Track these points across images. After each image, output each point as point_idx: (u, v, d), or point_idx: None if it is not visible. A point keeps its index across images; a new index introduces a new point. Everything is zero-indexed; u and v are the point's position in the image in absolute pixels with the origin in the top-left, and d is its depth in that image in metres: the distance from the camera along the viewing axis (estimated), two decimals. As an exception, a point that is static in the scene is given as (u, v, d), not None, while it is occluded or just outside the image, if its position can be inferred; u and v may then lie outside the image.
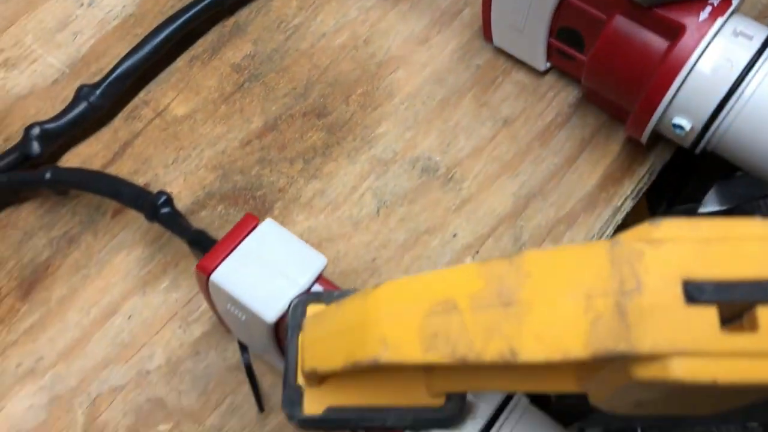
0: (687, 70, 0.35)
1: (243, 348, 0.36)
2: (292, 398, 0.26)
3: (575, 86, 0.43)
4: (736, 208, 0.58)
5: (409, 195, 0.40)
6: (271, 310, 0.30)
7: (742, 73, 0.34)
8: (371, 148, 0.42)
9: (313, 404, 0.26)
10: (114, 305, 0.38)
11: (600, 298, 0.20)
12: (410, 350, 0.22)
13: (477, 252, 0.39)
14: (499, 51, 0.43)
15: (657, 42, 0.36)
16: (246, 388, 0.36)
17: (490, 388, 0.25)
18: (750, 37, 0.35)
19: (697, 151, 0.37)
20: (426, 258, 0.39)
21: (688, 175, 0.59)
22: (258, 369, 0.36)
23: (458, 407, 0.26)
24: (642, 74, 0.37)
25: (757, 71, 0.34)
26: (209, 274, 0.31)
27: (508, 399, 0.29)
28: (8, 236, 0.40)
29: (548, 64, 0.42)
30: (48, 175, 0.38)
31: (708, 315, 0.19)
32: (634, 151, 0.41)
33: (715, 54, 0.35)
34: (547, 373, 0.24)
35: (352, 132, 0.42)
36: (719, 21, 0.35)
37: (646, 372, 0.20)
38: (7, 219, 0.40)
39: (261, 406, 0.36)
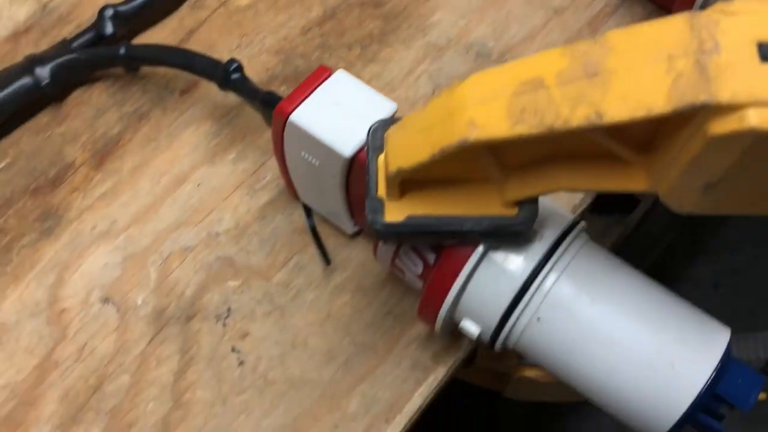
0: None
1: (308, 211, 0.38)
2: (375, 207, 0.28)
3: (622, -20, 0.44)
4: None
5: (463, 78, 0.42)
6: (347, 145, 0.32)
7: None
8: (426, 35, 0.43)
9: (394, 213, 0.28)
10: (183, 174, 0.40)
11: (680, 59, 0.22)
12: (498, 126, 0.24)
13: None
14: (549, -53, 0.45)
15: None
16: (311, 249, 0.38)
17: (562, 187, 0.27)
18: None
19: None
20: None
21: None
22: (322, 232, 0.38)
23: (530, 215, 0.28)
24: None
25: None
26: (288, 115, 0.33)
27: (569, 229, 0.31)
28: (81, 113, 0.42)
29: (597, -42, 0.44)
30: (122, 51, 0.40)
31: (782, 72, 0.21)
32: (680, 39, 0.43)
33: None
34: (619, 169, 0.26)
35: (407, 20, 0.44)
36: None
37: (724, 125, 0.21)
38: (80, 97, 0.42)
39: (327, 260, 0.37)
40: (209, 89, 0.42)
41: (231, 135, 0.41)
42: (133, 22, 0.43)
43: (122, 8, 0.42)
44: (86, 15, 0.44)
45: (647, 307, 0.29)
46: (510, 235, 0.28)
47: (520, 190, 0.27)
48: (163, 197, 0.40)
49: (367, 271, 0.38)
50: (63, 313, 0.38)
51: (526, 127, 0.23)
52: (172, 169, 0.40)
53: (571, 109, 0.23)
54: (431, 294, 0.31)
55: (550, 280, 0.29)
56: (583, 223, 0.31)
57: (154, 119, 0.42)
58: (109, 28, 0.41)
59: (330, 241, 0.38)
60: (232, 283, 0.38)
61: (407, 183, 0.28)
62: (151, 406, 0.36)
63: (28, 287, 0.38)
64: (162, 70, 0.42)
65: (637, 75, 0.22)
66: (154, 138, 0.41)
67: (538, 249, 0.30)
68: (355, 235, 0.38)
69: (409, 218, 0.28)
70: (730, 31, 0.22)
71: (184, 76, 0.42)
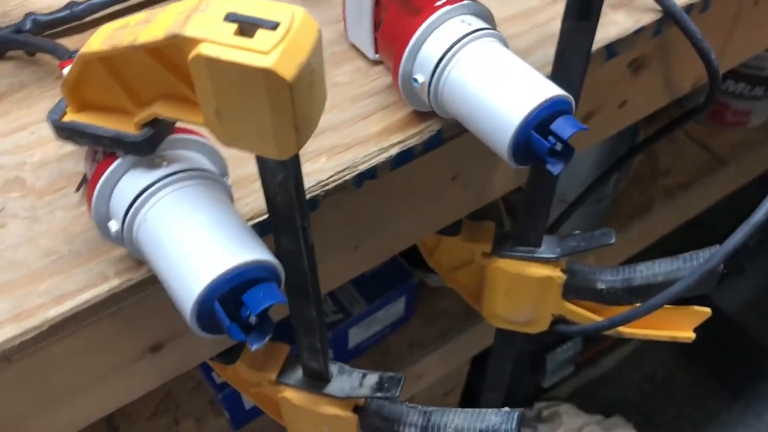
0: None
1: (89, 162, 0.52)
2: (59, 112, 0.42)
3: None
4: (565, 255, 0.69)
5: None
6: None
7: None
8: None
9: (67, 117, 0.42)
10: (30, 123, 0.56)
11: (184, 13, 0.35)
12: (96, 46, 0.38)
13: None
14: None
15: None
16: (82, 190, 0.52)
17: (162, 115, 0.39)
18: None
19: None
20: None
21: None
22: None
23: (147, 135, 0.40)
24: None
25: None
26: (63, 68, 0.48)
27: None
28: (-14, 76, 0.59)
29: None
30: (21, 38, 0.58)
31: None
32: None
33: None
34: (191, 107, 0.38)
35: None
36: None
37: (191, 52, 0.34)
38: (-8, 66, 0.60)
39: (79, 187, 0.50)
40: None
41: (72, 109, 0.56)
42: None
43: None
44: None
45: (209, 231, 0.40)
46: (131, 145, 0.41)
47: (140, 114, 0.40)
48: (8, 133, 0.55)
49: (107, 208, 0.50)
50: None
51: (106, 47, 0.37)
52: (25, 119, 0.56)
53: (127, 37, 0.36)
54: (89, 196, 0.43)
55: (161, 193, 0.41)
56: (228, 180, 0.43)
57: (30, 91, 0.58)
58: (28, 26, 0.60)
59: (95, 185, 0.51)
60: (15, 194, 0.51)
61: (84, 104, 0.42)
62: None
63: None
64: (51, 60, 0.59)
65: (165, 21, 0.35)
66: (24, 100, 0.57)
67: (159, 171, 0.42)
68: (110, 184, 0.51)
69: (74, 122, 0.41)
70: (219, 2, 0.35)
71: (62, 67, 0.59)
